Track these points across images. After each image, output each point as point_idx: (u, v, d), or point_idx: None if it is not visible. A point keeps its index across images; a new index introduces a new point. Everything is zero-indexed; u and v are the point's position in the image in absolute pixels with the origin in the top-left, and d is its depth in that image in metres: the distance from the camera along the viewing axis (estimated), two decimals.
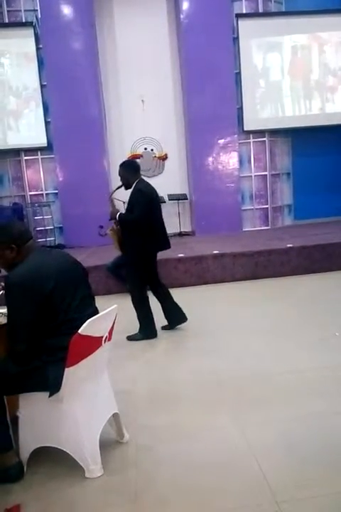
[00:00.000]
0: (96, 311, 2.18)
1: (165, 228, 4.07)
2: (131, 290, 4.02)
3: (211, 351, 3.58)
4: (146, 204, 3.74)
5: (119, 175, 3.91)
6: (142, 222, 3.72)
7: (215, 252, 6.28)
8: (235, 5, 8.89)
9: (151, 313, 4.00)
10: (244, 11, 8.97)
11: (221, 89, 8.60)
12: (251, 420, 2.43)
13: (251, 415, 2.49)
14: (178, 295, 5.62)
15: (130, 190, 3.86)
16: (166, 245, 4.09)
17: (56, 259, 2.12)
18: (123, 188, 3.92)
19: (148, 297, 4.03)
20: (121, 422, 2.32)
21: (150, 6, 8.90)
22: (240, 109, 8.97)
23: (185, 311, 4.15)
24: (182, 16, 8.56)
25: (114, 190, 4.08)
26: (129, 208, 3.83)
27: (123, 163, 3.98)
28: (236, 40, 8.86)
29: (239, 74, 8.91)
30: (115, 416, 2.29)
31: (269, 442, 2.20)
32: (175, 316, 4.15)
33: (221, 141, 8.85)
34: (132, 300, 3.98)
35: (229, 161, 8.94)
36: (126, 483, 1.98)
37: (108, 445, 2.24)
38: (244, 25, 8.87)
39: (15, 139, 8.90)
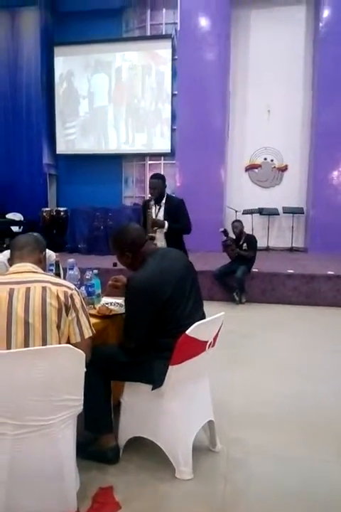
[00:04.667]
0: (204, 316, 2.20)
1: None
2: None
3: (314, 377, 3.35)
4: None
5: (154, 187, 3.90)
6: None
7: (330, 272, 5.89)
8: None
9: None
10: None
11: None
12: None
13: None
14: (284, 312, 5.44)
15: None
16: None
17: (173, 263, 2.16)
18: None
19: None
20: (215, 430, 2.30)
21: (289, 15, 8.66)
22: None
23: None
24: (320, 25, 8.19)
25: (154, 203, 3.94)
26: (173, 218, 3.85)
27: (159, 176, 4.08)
28: None
29: None
30: (210, 423, 2.28)
31: None
32: None
33: None
34: None
35: None
36: (214, 494, 1.96)
37: (199, 451, 2.23)
38: None
39: (143, 145, 9.47)
